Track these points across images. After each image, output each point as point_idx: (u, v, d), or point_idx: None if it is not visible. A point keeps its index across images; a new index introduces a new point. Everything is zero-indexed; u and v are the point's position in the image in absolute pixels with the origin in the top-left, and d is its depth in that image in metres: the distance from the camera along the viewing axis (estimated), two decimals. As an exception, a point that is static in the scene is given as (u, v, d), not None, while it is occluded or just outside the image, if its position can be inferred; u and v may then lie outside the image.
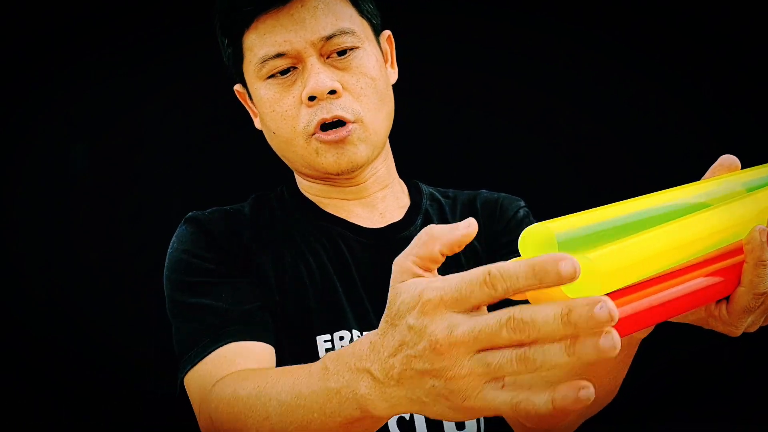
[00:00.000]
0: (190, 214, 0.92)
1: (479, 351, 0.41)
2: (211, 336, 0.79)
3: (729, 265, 0.50)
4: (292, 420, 0.56)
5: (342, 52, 0.86)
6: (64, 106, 1.47)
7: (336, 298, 0.87)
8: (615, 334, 0.38)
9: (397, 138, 0.99)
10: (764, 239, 0.50)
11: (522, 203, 0.99)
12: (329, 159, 0.86)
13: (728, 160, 0.56)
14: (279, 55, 0.84)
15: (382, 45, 0.93)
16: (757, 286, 0.51)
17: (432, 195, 0.99)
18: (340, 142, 0.85)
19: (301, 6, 0.84)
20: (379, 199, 0.95)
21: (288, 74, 0.86)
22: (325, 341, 0.84)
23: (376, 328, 0.89)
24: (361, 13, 0.89)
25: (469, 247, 0.88)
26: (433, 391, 0.43)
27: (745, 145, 1.51)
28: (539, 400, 0.40)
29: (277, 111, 0.87)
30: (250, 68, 0.88)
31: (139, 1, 1.47)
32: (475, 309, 0.42)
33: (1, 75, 1.44)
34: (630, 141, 1.49)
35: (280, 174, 1.05)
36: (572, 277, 0.38)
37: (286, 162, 0.95)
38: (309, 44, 0.84)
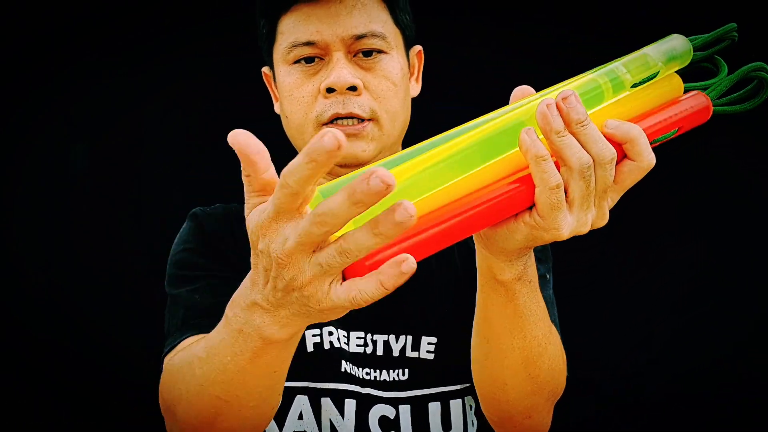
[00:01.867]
0: (194, 210, 0.94)
1: (312, 254, 0.46)
2: (179, 329, 0.82)
3: (524, 174, 0.53)
4: (212, 369, 0.60)
5: (368, 53, 0.87)
6: (64, 106, 1.47)
7: None
8: (407, 203, 0.41)
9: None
10: (533, 137, 0.51)
11: None
12: None
13: (522, 91, 0.57)
14: (308, 43, 0.86)
15: (411, 58, 0.95)
16: (547, 181, 0.51)
17: None
18: (351, 135, 0.86)
19: (340, 2, 0.86)
20: None
21: (313, 63, 0.87)
22: (313, 335, 0.85)
23: (366, 327, 0.89)
24: (396, 21, 0.91)
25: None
26: (299, 302, 0.48)
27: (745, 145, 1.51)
28: (359, 244, 0.44)
29: (295, 96, 0.88)
30: (279, 51, 0.90)
31: (139, 1, 1.47)
32: (298, 211, 0.46)
33: (1, 75, 1.44)
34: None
35: (281, 174, 1.05)
36: (384, 190, 0.41)
37: (297, 151, 0.96)
38: (339, 39, 0.86)
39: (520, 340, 0.66)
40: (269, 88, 0.98)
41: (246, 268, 0.90)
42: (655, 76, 0.57)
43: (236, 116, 1.52)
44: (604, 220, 0.55)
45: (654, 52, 0.58)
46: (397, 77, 0.89)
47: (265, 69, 0.97)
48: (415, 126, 0.95)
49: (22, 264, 1.46)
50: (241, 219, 0.92)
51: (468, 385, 0.89)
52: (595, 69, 0.57)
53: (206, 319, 0.80)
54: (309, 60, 0.87)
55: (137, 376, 0.90)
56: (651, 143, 0.55)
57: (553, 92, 0.55)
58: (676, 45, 0.59)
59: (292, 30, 0.87)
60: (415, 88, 0.96)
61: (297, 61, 0.88)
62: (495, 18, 1.49)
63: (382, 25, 0.88)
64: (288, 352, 0.58)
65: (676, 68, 0.59)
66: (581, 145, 0.51)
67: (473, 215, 0.51)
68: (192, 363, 0.64)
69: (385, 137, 0.89)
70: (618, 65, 0.56)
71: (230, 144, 0.48)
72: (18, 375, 1.44)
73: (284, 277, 0.47)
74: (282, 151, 1.02)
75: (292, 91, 0.88)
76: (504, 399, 0.72)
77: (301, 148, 0.93)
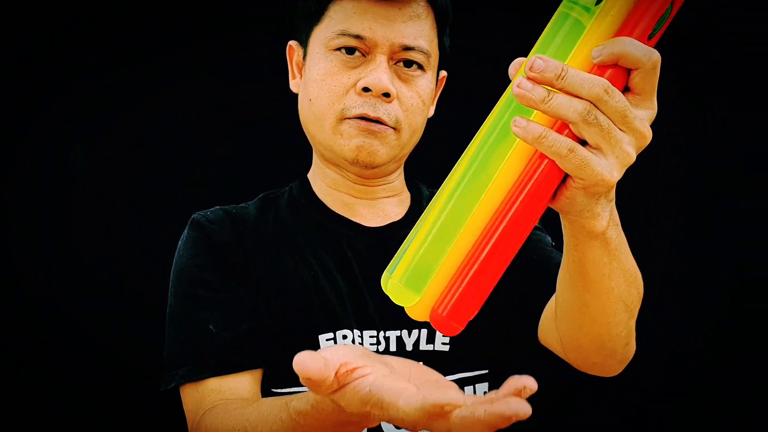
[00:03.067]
0: (194, 216, 0.93)
1: None
2: (198, 362, 0.83)
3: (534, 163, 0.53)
4: None
5: (409, 65, 0.88)
6: (64, 106, 1.47)
7: (338, 297, 0.87)
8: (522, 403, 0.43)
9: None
10: (522, 123, 0.50)
11: None
12: (353, 143, 0.87)
13: (518, 63, 0.56)
14: (357, 37, 0.86)
15: (438, 80, 0.95)
16: (558, 151, 0.50)
17: (431, 196, 1.00)
18: (372, 133, 0.87)
19: (399, 9, 0.86)
20: (386, 203, 0.97)
21: (353, 55, 0.87)
22: (327, 340, 0.85)
23: (377, 324, 0.89)
24: (440, 43, 0.92)
25: None
26: None
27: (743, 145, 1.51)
28: None
29: (327, 83, 0.88)
30: (322, 33, 0.89)
31: (139, 1, 1.47)
32: None
33: (1, 75, 1.44)
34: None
35: (281, 174, 1.05)
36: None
37: (308, 138, 0.95)
38: (388, 43, 0.86)
39: (617, 279, 0.65)
40: (289, 63, 0.97)
41: (252, 273, 0.91)
42: None
43: (236, 116, 1.52)
44: (645, 138, 0.53)
45: None
46: (427, 96, 0.91)
47: (292, 43, 0.96)
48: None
49: (22, 264, 1.46)
50: (243, 220, 0.92)
51: (481, 372, 0.89)
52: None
53: (226, 355, 0.83)
54: (350, 51, 0.87)
55: (137, 376, 0.90)
56: (650, 36, 0.52)
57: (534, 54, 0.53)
58: None
59: (344, 18, 0.86)
60: (431, 110, 0.98)
61: (338, 48, 0.87)
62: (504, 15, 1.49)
63: (429, 43, 0.89)
64: None
65: None
66: (572, 94, 0.50)
67: (515, 217, 0.52)
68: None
69: (400, 148, 0.90)
70: None
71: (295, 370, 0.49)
72: (18, 375, 1.43)
73: None
74: (282, 151, 1.02)
75: (325, 78, 0.88)
76: (607, 337, 0.71)
77: (313, 135, 0.93)
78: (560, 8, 0.53)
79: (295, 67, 0.96)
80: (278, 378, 0.86)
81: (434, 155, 1.14)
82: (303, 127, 0.94)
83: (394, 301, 0.55)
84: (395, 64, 0.87)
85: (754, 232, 1.50)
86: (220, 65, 1.49)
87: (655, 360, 1.51)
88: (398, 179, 0.98)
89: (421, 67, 0.89)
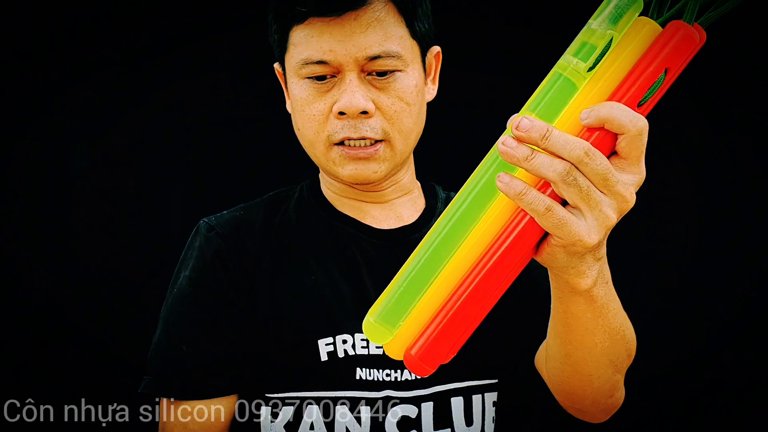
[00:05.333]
0: (201, 223, 0.92)
1: None
2: (178, 384, 0.86)
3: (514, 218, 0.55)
4: None
5: (383, 74, 0.84)
6: (64, 106, 1.47)
7: (341, 302, 0.87)
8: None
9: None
10: (505, 180, 0.52)
11: None
12: (347, 171, 0.86)
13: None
14: (321, 62, 0.83)
15: (427, 60, 0.91)
16: (536, 208, 0.52)
17: (448, 198, 0.99)
18: (362, 159, 0.85)
19: (355, 19, 0.82)
20: (397, 204, 0.95)
21: (325, 81, 0.85)
22: (326, 344, 0.84)
23: None
24: (414, 34, 0.87)
25: None
26: None
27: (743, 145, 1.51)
28: None
29: (306, 112, 0.86)
30: (291, 61, 0.87)
31: (139, 1, 1.47)
32: None
33: (1, 75, 1.44)
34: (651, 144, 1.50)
35: (281, 174, 1.05)
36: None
37: (308, 154, 0.95)
38: (352, 60, 0.82)
39: (601, 336, 0.65)
40: (282, 85, 0.96)
41: (253, 282, 0.91)
42: (610, 46, 0.53)
43: (236, 116, 1.52)
44: (627, 202, 0.53)
45: (597, 22, 0.53)
46: (411, 96, 0.86)
47: (277, 66, 0.95)
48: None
49: (22, 264, 1.46)
50: (250, 226, 0.92)
51: (491, 381, 0.89)
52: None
53: (205, 380, 0.85)
54: (320, 78, 0.84)
55: (138, 376, 0.90)
56: (641, 103, 0.52)
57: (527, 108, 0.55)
58: (618, 2, 0.53)
59: (304, 44, 0.84)
60: (431, 92, 0.93)
61: (309, 77, 0.85)
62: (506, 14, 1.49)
63: (398, 42, 0.84)
64: None
65: (632, 20, 0.53)
66: (553, 154, 0.51)
67: (494, 267, 0.53)
68: None
69: (397, 156, 0.88)
70: (566, 56, 0.54)
71: None
72: (18, 375, 1.43)
73: None
74: (284, 149, 1.02)
75: (303, 107, 0.86)
76: (590, 389, 0.73)
77: (311, 156, 0.92)
78: (555, 68, 0.54)
79: (285, 90, 0.95)
80: (272, 383, 0.86)
81: (449, 157, 1.14)
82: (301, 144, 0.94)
83: (369, 338, 0.57)
84: (368, 75, 0.84)
85: (755, 232, 1.50)
86: (221, 65, 1.49)
87: (655, 362, 1.51)
88: (407, 175, 0.96)
89: (396, 70, 0.85)
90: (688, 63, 0.53)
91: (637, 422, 1.52)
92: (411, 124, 0.87)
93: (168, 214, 1.45)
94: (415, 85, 0.87)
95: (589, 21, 0.54)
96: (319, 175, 0.98)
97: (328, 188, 0.96)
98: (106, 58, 1.47)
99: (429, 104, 0.93)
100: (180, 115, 1.50)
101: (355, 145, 0.85)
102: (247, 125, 1.49)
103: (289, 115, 0.92)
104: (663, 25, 0.53)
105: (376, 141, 0.85)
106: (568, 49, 0.54)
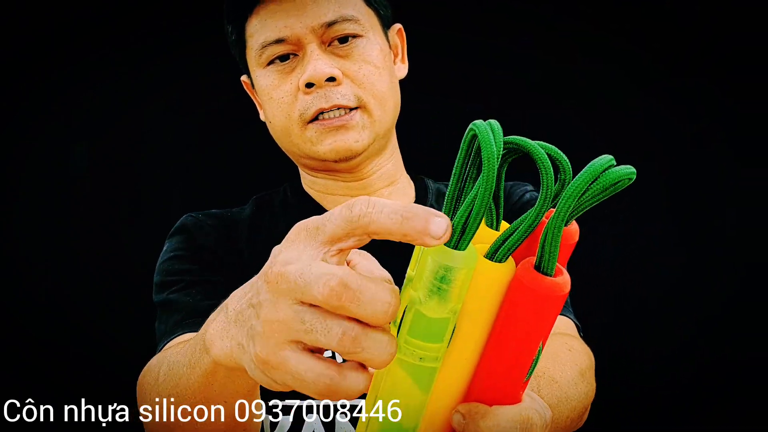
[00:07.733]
0: (183, 219, 0.92)
1: (302, 303, 0.36)
2: (171, 330, 0.80)
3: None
4: (172, 377, 0.54)
5: (344, 40, 0.83)
6: (64, 106, 1.47)
7: None
8: None
9: (405, 133, 0.98)
10: (463, 420, 0.41)
11: (530, 187, 0.97)
12: (326, 146, 0.84)
13: None
14: (279, 41, 0.82)
15: (391, 38, 0.90)
16: None
17: (439, 191, 0.97)
18: (341, 127, 0.83)
19: None
20: (385, 195, 0.93)
21: (287, 61, 0.83)
22: None
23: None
24: (368, 2, 0.86)
25: None
26: (249, 333, 0.38)
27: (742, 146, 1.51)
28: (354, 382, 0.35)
29: (274, 98, 0.85)
30: (251, 55, 0.86)
31: (139, 1, 1.47)
32: (335, 240, 0.37)
33: (2, 75, 1.44)
34: (645, 136, 1.50)
35: (281, 174, 1.05)
36: (440, 237, 0.35)
37: (289, 155, 0.94)
38: (309, 30, 0.81)
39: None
40: (252, 97, 0.95)
41: (239, 272, 0.90)
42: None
43: (236, 116, 1.52)
44: None
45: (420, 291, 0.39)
46: (377, 59, 0.85)
47: (243, 78, 0.94)
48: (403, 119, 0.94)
49: (22, 264, 1.46)
50: (237, 224, 0.91)
51: None
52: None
53: (199, 317, 0.76)
54: (283, 58, 0.83)
55: (137, 376, 0.90)
56: (527, 377, 0.41)
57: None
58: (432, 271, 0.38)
59: (260, 30, 0.83)
60: (402, 70, 0.92)
61: (271, 62, 0.84)
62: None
63: (353, 7, 0.84)
64: (236, 385, 0.49)
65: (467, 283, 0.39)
66: None
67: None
68: (160, 367, 0.58)
69: (377, 124, 0.86)
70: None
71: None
72: (18, 375, 1.43)
73: (258, 291, 0.38)
74: (281, 152, 1.02)
75: (270, 94, 0.85)
76: None
77: (291, 152, 0.91)
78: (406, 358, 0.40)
79: (256, 99, 0.94)
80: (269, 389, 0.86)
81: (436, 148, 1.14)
82: (283, 149, 0.92)
83: None
84: (329, 45, 0.83)
85: (754, 232, 1.50)
86: (220, 65, 1.49)
87: (654, 361, 1.51)
88: (391, 162, 0.93)
89: (356, 35, 0.83)
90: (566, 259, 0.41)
91: (633, 420, 1.52)
92: (384, 89, 0.85)
93: (168, 215, 1.45)
94: (380, 49, 0.85)
95: (408, 271, 0.41)
96: (300, 177, 0.97)
97: (311, 187, 0.95)
98: (106, 58, 1.46)
99: (415, 95, 0.92)
100: (180, 115, 1.50)
101: (330, 117, 0.83)
102: (247, 125, 1.49)
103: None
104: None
105: (351, 109, 0.83)
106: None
